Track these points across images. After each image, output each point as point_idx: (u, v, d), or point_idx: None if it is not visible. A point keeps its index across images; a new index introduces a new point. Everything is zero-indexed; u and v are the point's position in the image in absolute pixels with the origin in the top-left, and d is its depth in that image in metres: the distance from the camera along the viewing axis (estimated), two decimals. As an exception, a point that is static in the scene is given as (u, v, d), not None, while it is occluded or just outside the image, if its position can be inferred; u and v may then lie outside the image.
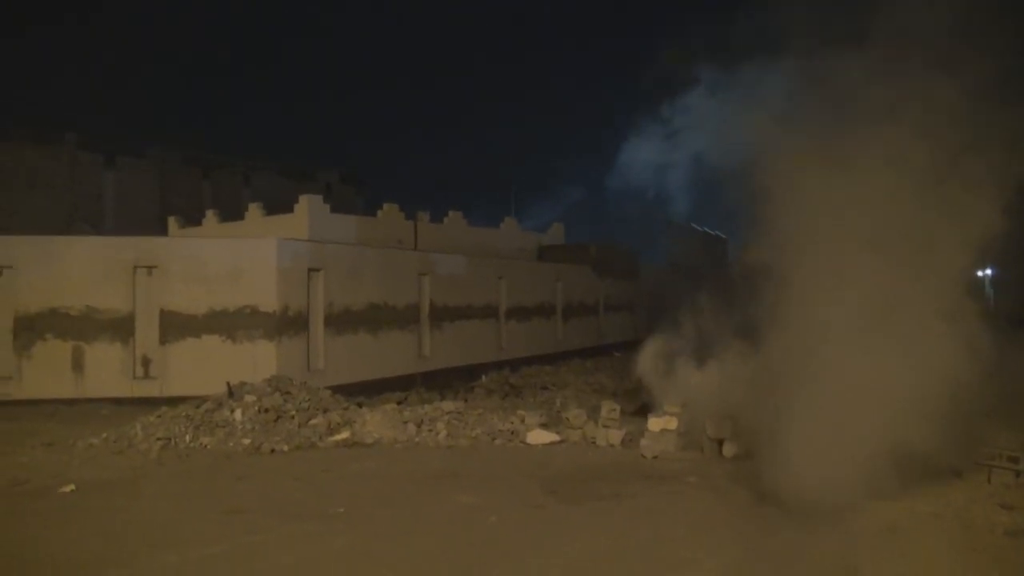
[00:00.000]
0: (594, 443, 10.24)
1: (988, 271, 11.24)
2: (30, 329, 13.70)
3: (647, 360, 11.53)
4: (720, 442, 9.38)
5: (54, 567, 5.72)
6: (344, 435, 10.81)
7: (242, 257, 13.74)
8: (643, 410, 11.02)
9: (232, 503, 7.44)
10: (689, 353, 10.96)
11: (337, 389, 12.91)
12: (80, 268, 13.61)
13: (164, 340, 13.59)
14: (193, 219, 26.48)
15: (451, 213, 25.33)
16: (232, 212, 25.41)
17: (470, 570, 5.52)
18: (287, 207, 22.52)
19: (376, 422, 11.07)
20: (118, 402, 13.46)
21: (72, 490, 7.89)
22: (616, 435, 10.18)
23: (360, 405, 12.32)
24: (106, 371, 13.54)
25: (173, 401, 12.10)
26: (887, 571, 5.35)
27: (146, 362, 13.64)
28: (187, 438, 10.41)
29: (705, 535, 6.28)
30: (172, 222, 25.36)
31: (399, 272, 16.87)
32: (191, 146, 33.48)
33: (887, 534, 6.14)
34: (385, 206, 23.56)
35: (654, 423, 9.88)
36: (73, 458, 9.59)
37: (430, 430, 10.93)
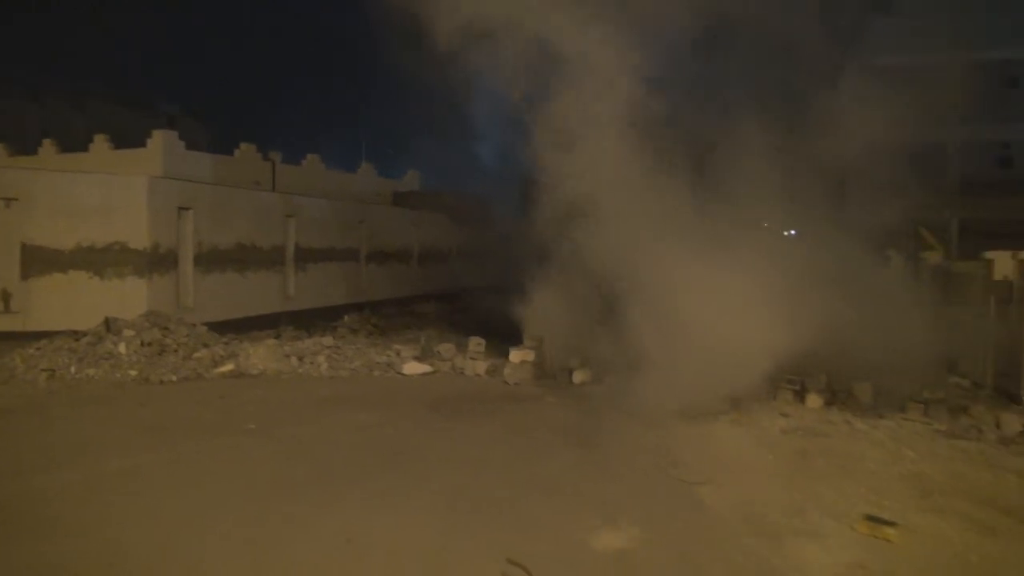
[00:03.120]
0: (463, 373, 11.66)
1: (792, 232, 13.57)
2: None
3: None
4: (571, 371, 11.10)
5: None
6: (229, 367, 11.53)
7: (112, 193, 13.68)
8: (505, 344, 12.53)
9: (147, 422, 8.16)
10: (544, 294, 12.53)
11: (206, 327, 13.41)
12: (-70, 198, 13.02)
13: (26, 275, 13.37)
14: (21, 147, 24.76)
15: (309, 156, 25.57)
16: (68, 141, 24.06)
17: (388, 465, 6.76)
18: (130, 139, 21.78)
19: (260, 355, 11.86)
20: (-28, 336, 13.16)
21: (-25, 415, 8.25)
22: (482, 366, 11.66)
23: (240, 340, 12.97)
24: (-39, 305, 13.17)
25: (36, 336, 12.16)
26: (699, 455, 7.18)
27: (6, 296, 13.39)
28: (72, 369, 10.73)
29: (563, 436, 7.89)
30: (-1, 149, 23.68)
31: (266, 213, 17.25)
32: (15, 66, 30.75)
33: (700, 436, 8.03)
34: (242, 146, 23.41)
35: (515, 355, 11.44)
36: (-43, 388, 9.73)
37: (312, 363, 11.89)
